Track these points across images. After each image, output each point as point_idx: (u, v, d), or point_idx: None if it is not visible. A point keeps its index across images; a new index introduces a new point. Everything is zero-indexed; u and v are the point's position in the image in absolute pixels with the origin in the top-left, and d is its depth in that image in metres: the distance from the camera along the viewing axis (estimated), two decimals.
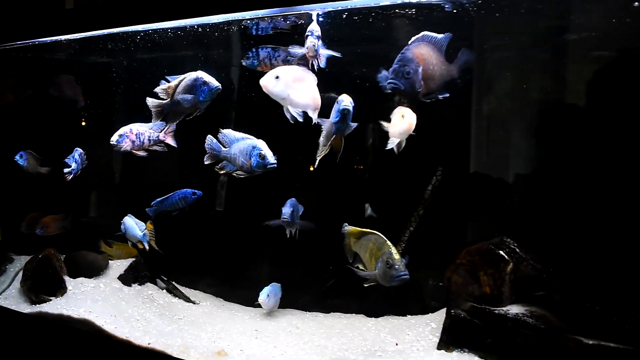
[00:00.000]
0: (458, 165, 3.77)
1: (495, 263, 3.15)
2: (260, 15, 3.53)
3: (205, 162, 3.42)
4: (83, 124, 4.97)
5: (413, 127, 3.14)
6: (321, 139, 3.21)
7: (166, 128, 3.69)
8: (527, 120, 3.61)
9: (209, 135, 3.39)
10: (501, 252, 3.14)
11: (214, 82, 3.40)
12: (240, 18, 3.62)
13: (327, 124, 3.16)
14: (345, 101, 2.93)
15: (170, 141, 3.76)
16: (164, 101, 3.56)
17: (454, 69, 3.09)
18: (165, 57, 4.48)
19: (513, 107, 3.68)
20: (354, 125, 3.08)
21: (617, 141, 3.12)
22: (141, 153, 3.75)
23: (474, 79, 3.58)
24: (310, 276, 4.25)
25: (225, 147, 3.37)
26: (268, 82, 3.02)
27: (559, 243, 3.30)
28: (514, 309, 3.04)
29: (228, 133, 3.37)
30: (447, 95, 3.05)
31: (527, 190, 3.57)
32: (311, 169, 4.07)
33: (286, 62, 3.64)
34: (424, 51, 2.92)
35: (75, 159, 4.19)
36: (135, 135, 3.71)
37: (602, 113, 3.21)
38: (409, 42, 2.94)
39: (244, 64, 3.79)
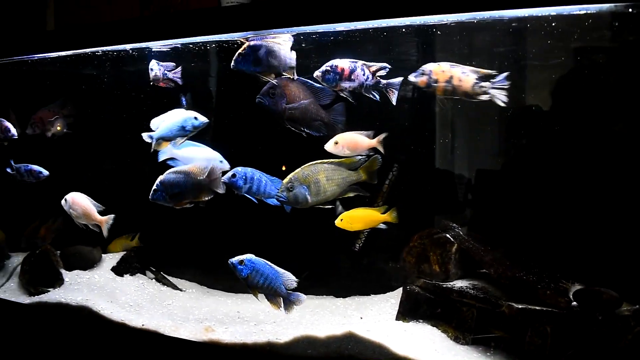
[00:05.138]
0: (419, 162, 4.18)
1: (442, 244, 3.66)
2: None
3: None
4: None
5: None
6: None
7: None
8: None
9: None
10: (447, 235, 3.66)
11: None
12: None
13: None
14: None
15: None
16: None
17: (325, 116, 3.51)
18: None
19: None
20: None
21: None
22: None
23: None
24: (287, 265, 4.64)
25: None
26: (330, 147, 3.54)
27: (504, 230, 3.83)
28: (458, 283, 3.55)
29: None
30: (319, 134, 3.50)
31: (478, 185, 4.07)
32: (283, 168, 4.48)
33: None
34: (292, 86, 3.42)
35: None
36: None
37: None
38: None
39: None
